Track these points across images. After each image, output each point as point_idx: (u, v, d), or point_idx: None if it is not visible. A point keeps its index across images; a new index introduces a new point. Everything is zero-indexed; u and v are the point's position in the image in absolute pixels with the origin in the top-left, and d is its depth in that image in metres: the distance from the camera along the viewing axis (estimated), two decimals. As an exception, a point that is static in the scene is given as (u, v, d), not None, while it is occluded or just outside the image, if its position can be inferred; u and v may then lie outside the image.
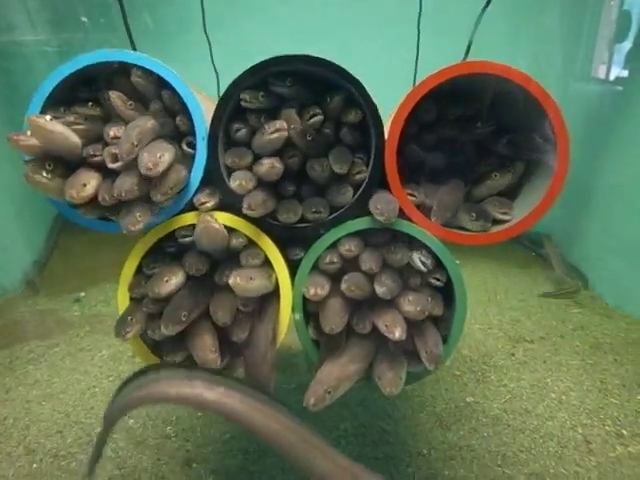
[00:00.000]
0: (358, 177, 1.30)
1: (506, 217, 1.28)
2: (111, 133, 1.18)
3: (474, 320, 3.25)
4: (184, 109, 1.28)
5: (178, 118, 1.30)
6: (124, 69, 1.26)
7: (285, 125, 1.19)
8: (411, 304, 1.18)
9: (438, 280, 1.29)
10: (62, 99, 1.26)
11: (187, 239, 1.25)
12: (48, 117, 1.08)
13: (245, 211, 1.19)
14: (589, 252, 3.98)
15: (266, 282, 1.23)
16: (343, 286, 1.21)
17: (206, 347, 1.19)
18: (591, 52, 4.30)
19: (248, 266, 1.25)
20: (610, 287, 3.59)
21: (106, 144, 1.21)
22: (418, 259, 1.24)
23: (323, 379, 1.20)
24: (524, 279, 4.01)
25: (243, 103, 1.24)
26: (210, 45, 2.43)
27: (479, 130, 1.38)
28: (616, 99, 3.91)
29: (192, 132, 1.29)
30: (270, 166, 1.17)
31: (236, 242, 1.26)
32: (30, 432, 2.16)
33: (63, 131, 1.10)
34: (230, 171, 1.27)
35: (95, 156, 1.18)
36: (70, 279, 3.95)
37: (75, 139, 1.14)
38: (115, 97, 1.21)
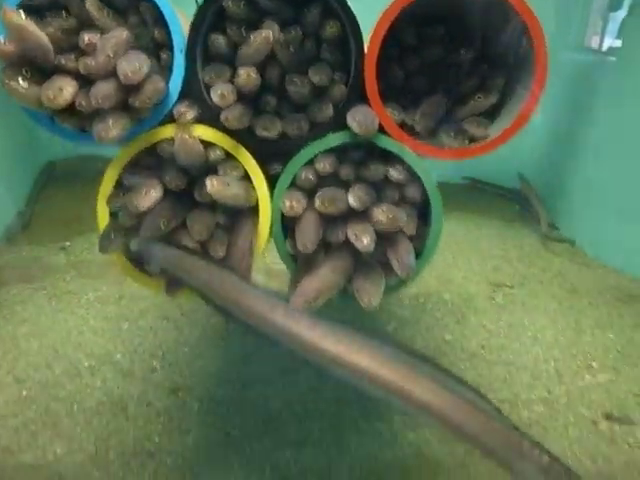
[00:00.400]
0: (338, 94, 1.30)
1: (483, 133, 1.30)
2: (86, 39, 1.17)
3: (457, 268, 3.31)
4: (162, 22, 1.26)
5: (156, 31, 1.28)
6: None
7: (270, 34, 1.18)
8: (384, 213, 1.20)
9: (398, 172, 1.28)
10: (32, 8, 1.23)
11: (168, 150, 1.25)
12: (22, 13, 1.07)
13: (224, 122, 1.20)
14: (572, 206, 4.04)
15: (243, 193, 1.24)
16: (317, 202, 1.22)
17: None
18: (585, 20, 4.27)
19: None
20: (591, 239, 3.66)
21: (81, 52, 1.19)
22: (394, 171, 1.26)
23: (303, 291, 1.22)
24: (508, 231, 4.07)
25: (227, 8, 1.22)
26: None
27: (462, 55, 1.38)
28: (605, 63, 3.91)
29: (169, 45, 1.27)
30: (246, 75, 1.17)
31: (214, 156, 1.26)
32: (19, 364, 2.20)
33: (35, 30, 1.08)
34: (208, 87, 1.27)
35: (67, 65, 1.17)
36: (55, 229, 3.93)
37: (47, 42, 1.12)
38: (90, 4, 1.19)
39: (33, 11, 1.23)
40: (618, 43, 3.75)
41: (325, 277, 1.24)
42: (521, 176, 4.50)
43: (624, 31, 3.67)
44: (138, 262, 1.35)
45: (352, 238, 1.21)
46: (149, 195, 1.21)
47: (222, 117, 1.19)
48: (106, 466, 1.68)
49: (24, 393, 2.02)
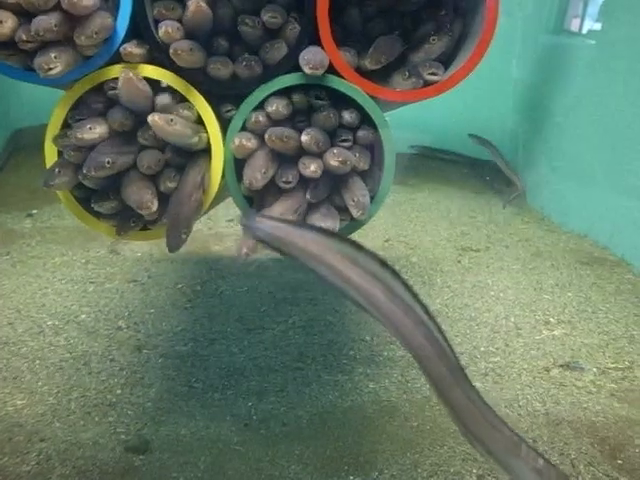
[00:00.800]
0: (291, 35, 1.29)
1: (435, 77, 1.31)
2: None
3: (425, 234, 3.36)
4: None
5: None
6: None
7: None
8: (334, 156, 1.21)
9: (352, 116, 1.30)
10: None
11: (113, 92, 1.23)
12: None
13: (172, 57, 1.18)
14: (539, 176, 4.11)
15: (190, 132, 1.23)
16: (265, 136, 1.23)
17: (141, 190, 1.20)
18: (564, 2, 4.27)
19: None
20: (556, 206, 3.75)
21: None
22: (347, 114, 1.27)
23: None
24: (478, 201, 4.13)
25: None
26: None
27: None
28: (580, 44, 3.94)
29: None
30: (196, 5, 1.15)
31: (162, 97, 1.25)
32: (-21, 325, 2.18)
33: None
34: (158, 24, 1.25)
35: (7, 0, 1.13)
36: (22, 198, 3.84)
37: None
38: None
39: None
40: (596, 26, 3.78)
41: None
42: (472, 135, 4.38)
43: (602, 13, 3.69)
44: (86, 202, 1.33)
45: (300, 168, 1.24)
46: (93, 130, 1.19)
47: (171, 51, 1.17)
48: (67, 416, 1.69)
49: (-16, 350, 2.00)
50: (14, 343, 2.06)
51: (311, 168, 1.22)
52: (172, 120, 1.16)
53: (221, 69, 1.25)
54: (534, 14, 4.26)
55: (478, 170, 4.70)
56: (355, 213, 1.26)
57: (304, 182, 1.30)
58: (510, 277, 2.76)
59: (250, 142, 1.25)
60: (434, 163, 4.72)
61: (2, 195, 3.76)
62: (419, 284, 2.73)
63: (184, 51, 1.16)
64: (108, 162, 1.16)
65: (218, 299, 2.54)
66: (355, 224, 1.38)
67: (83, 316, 2.30)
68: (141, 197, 1.19)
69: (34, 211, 3.60)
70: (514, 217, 3.77)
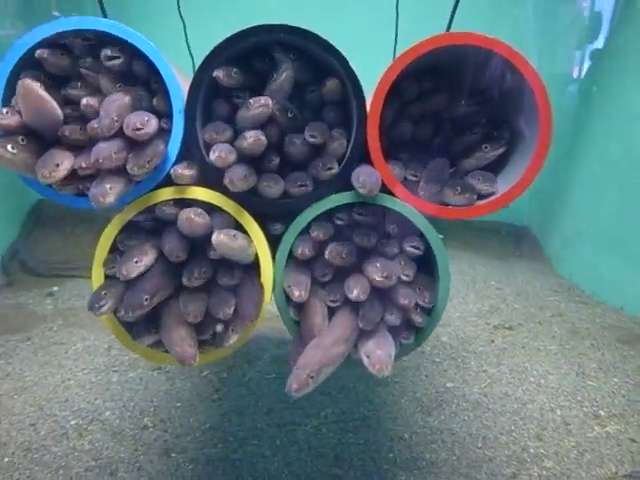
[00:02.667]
0: (339, 149, 1.27)
1: (490, 189, 1.28)
2: (84, 101, 1.14)
3: (453, 309, 3.27)
4: (162, 89, 1.24)
5: (155, 100, 1.26)
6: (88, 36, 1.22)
7: (270, 101, 1.17)
8: (379, 271, 1.20)
9: (416, 248, 1.28)
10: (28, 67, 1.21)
11: (167, 212, 1.21)
12: (39, 84, 1.05)
13: (227, 185, 1.16)
14: (566, 243, 4.05)
15: (247, 244, 1.21)
16: (326, 252, 1.24)
17: (184, 342, 1.14)
18: (563, 50, 4.40)
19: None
20: (585, 275, 3.66)
21: (82, 119, 1.17)
22: (409, 247, 1.26)
23: (306, 363, 1.15)
24: (502, 269, 4.06)
25: (219, 79, 1.21)
26: (185, 26, 2.38)
27: (464, 107, 1.38)
28: (588, 96, 3.99)
29: (168, 113, 1.25)
30: (255, 139, 1.15)
31: (218, 221, 1.23)
32: (1, 426, 2.08)
33: (51, 101, 1.07)
34: (209, 147, 1.24)
35: (71, 137, 1.14)
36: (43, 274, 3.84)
37: (60, 115, 1.11)
38: (106, 81, 1.19)
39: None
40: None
41: (329, 349, 1.19)
42: None
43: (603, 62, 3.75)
44: (130, 327, 1.28)
45: (345, 291, 1.22)
46: (139, 264, 1.15)
47: (226, 179, 1.15)
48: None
49: (6, 460, 1.89)
50: (37, 449, 1.95)
51: (354, 293, 1.19)
52: (235, 235, 1.14)
53: (273, 187, 1.23)
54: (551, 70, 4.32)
55: (495, 231, 4.67)
56: (417, 320, 1.23)
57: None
58: (549, 360, 2.64)
59: (307, 289, 1.24)
60: (444, 223, 4.69)
61: (24, 273, 3.75)
62: (453, 368, 2.61)
63: (240, 180, 1.15)
64: (146, 299, 1.12)
65: (246, 389, 2.43)
66: (410, 345, 1.31)
67: (107, 413, 2.20)
68: (183, 351, 1.13)
69: (55, 288, 3.57)
70: (542, 286, 3.68)
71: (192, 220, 1.13)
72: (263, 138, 1.16)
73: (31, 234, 4.19)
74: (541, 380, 2.46)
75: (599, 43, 3.95)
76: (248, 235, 1.24)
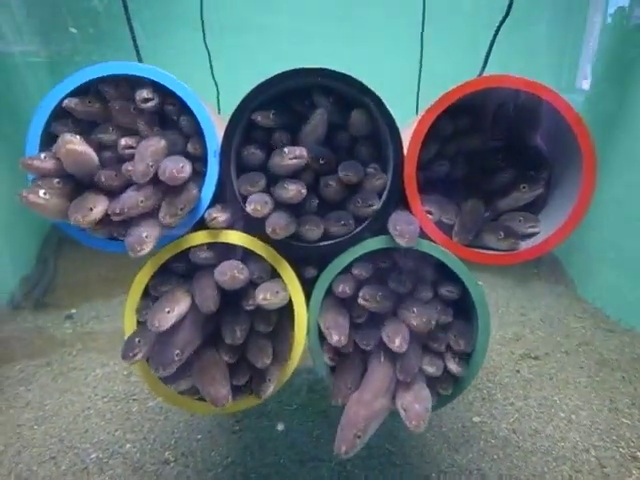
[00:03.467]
0: (378, 185, 1.24)
1: (535, 230, 1.24)
2: (122, 142, 1.14)
3: (477, 336, 3.20)
4: (196, 132, 1.23)
5: (189, 144, 1.24)
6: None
7: (305, 152, 1.16)
8: (416, 316, 1.16)
9: (451, 292, 1.24)
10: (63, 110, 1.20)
11: (202, 256, 1.18)
12: (78, 137, 1.04)
13: (269, 234, 1.14)
14: (589, 266, 3.97)
15: (286, 293, 1.19)
16: (359, 297, 1.21)
17: (216, 383, 1.11)
18: (575, 65, 4.36)
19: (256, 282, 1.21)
20: (610, 300, 3.57)
21: (116, 161, 1.15)
22: (444, 290, 1.22)
23: (350, 422, 1.12)
24: (524, 292, 3.98)
25: (258, 121, 1.19)
26: (210, 56, 2.38)
27: (497, 144, 1.35)
28: (612, 118, 3.92)
29: (202, 157, 1.23)
30: (297, 192, 1.14)
31: (254, 267, 1.20)
32: (22, 459, 2.06)
33: (90, 152, 1.06)
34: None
35: (106, 182, 1.13)
36: (60, 295, 3.84)
37: (97, 160, 1.10)
38: (143, 124, 1.17)
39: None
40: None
41: (371, 404, 1.15)
42: None
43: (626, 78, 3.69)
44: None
45: (385, 339, 1.18)
46: (171, 313, 1.12)
47: (268, 230, 1.13)
48: None
49: (27, 496, 1.87)
50: (57, 485, 1.93)
51: (396, 343, 1.15)
52: (277, 292, 1.12)
53: (315, 230, 1.20)
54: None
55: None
56: (455, 369, 1.19)
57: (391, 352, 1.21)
58: (578, 393, 2.55)
59: (346, 333, 1.19)
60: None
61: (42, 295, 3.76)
62: (479, 400, 2.54)
63: (282, 229, 1.13)
64: (177, 354, 1.09)
65: (267, 420, 2.38)
66: (448, 396, 1.27)
67: (128, 446, 2.17)
68: (217, 391, 1.10)
69: (73, 311, 3.57)
70: (566, 312, 3.60)
71: (235, 278, 1.11)
72: (304, 191, 1.14)
73: (51, 255, 4.19)
74: (572, 416, 2.38)
75: (616, 56, 3.91)
76: (283, 280, 1.22)
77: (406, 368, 1.16)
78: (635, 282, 3.37)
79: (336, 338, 1.16)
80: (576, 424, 2.31)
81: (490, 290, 4.01)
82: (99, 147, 1.18)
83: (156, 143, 1.13)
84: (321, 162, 1.20)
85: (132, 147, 1.16)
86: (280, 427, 2.32)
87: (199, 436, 2.26)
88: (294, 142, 1.24)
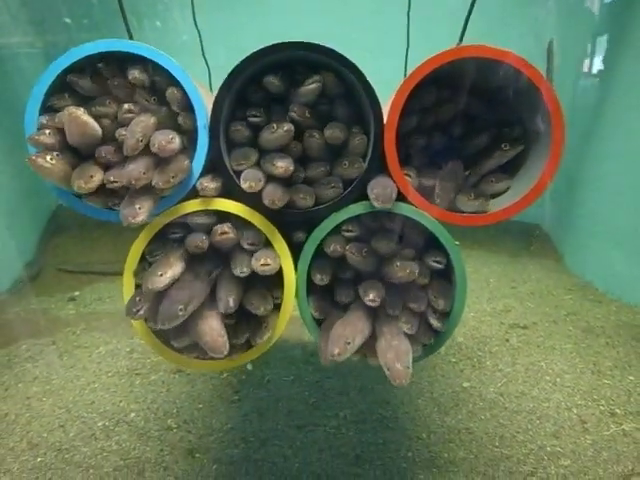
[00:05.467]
0: (360, 146, 1.32)
1: (504, 186, 1.32)
2: (125, 107, 1.24)
3: (468, 308, 3.27)
4: (186, 105, 1.29)
5: (180, 118, 1.30)
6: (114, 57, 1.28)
7: (292, 127, 1.25)
8: (400, 268, 1.26)
9: (438, 263, 1.32)
10: (60, 86, 1.27)
11: (198, 221, 1.27)
12: (82, 109, 1.13)
13: (269, 206, 1.23)
14: (579, 240, 4.06)
15: (279, 260, 1.30)
16: (347, 253, 1.30)
17: (214, 332, 1.20)
18: (576, 45, 4.37)
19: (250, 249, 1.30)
20: (600, 273, 3.66)
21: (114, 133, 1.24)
22: (432, 262, 1.31)
23: (340, 334, 1.24)
24: (515, 267, 4.07)
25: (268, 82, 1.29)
26: (201, 37, 2.43)
27: (476, 111, 1.42)
28: (601, 94, 3.97)
29: (192, 130, 1.30)
30: (285, 169, 1.22)
31: (250, 235, 1.30)
32: (32, 427, 2.16)
33: (94, 124, 1.14)
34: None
35: (105, 157, 1.21)
36: (64, 279, 3.93)
37: (100, 132, 1.20)
38: (139, 96, 1.26)
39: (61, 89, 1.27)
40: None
41: (355, 323, 1.28)
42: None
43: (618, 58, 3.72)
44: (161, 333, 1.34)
45: (361, 294, 1.29)
46: (164, 276, 1.21)
47: (267, 200, 1.23)
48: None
49: (39, 460, 1.97)
50: (67, 450, 2.03)
51: (370, 296, 1.27)
52: (275, 258, 1.25)
53: (308, 199, 1.28)
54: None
55: (507, 230, 4.66)
56: (435, 324, 1.29)
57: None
58: (564, 358, 2.66)
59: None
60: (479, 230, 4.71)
61: (44, 277, 3.85)
62: (469, 368, 2.64)
63: (279, 200, 1.23)
64: (181, 309, 1.17)
65: (265, 390, 2.49)
66: (430, 347, 1.36)
67: (133, 415, 2.28)
68: (214, 340, 1.19)
69: (76, 293, 3.67)
70: (556, 285, 3.69)
71: (227, 236, 1.23)
72: (292, 167, 1.24)
73: (51, 239, 4.28)
74: (557, 379, 2.48)
75: (614, 38, 3.93)
76: (274, 248, 1.31)
77: (392, 303, 1.27)
78: (622, 254, 3.46)
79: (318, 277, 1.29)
80: (560, 386, 2.41)
81: (482, 266, 4.10)
82: (96, 119, 1.26)
83: (147, 119, 1.20)
84: (307, 115, 1.28)
85: (132, 112, 1.24)
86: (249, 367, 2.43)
87: (200, 405, 2.36)
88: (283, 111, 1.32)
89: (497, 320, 3.13)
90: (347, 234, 1.31)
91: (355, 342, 1.23)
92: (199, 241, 1.27)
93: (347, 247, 1.31)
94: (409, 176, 1.33)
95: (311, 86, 1.27)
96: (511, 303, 3.35)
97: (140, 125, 1.15)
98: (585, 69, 4.24)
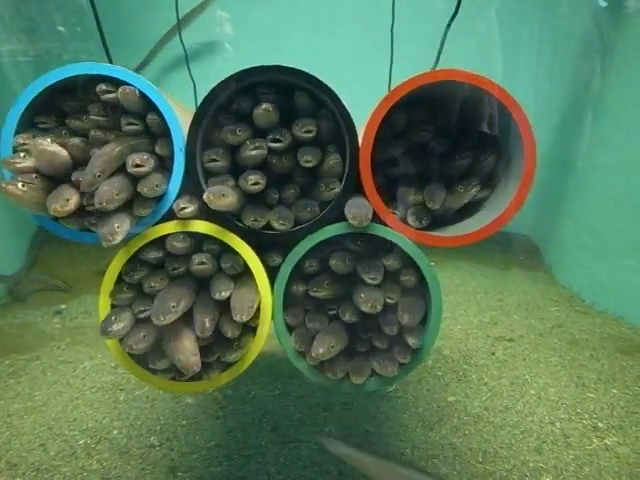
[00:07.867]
0: (335, 167, 1.33)
1: (483, 194, 1.35)
2: (92, 133, 1.26)
3: (455, 321, 3.31)
4: (164, 132, 1.30)
5: (157, 146, 1.31)
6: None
7: (264, 144, 1.26)
8: (363, 300, 1.28)
9: (410, 280, 1.34)
10: (42, 107, 1.27)
11: (178, 246, 1.27)
12: (48, 140, 1.13)
13: (251, 226, 1.28)
14: (565, 251, 4.08)
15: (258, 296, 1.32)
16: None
17: (187, 351, 1.20)
18: (562, 58, 4.42)
19: (227, 272, 1.30)
20: (586, 284, 3.69)
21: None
22: (392, 261, 1.32)
23: (324, 340, 1.30)
24: (502, 279, 4.09)
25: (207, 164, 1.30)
26: (187, 54, 2.45)
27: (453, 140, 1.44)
28: (585, 106, 4.02)
29: (170, 155, 1.31)
30: (255, 181, 1.24)
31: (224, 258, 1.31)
32: (12, 446, 2.14)
33: (61, 151, 1.14)
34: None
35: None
36: (50, 292, 3.91)
37: (69, 158, 1.20)
38: (96, 132, 1.26)
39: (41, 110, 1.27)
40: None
41: (335, 332, 1.35)
42: None
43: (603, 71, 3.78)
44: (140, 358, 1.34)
45: (339, 313, 1.36)
46: (118, 324, 1.24)
47: (248, 223, 1.28)
48: None
49: (17, 480, 1.95)
50: (47, 469, 2.01)
51: (346, 317, 1.33)
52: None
53: (287, 225, 1.29)
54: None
55: (495, 241, 4.69)
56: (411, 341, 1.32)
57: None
58: (549, 372, 2.67)
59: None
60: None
61: (30, 290, 3.82)
62: (455, 381, 2.65)
63: (262, 217, 1.28)
64: (173, 306, 1.19)
65: (250, 405, 2.48)
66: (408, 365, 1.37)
67: (115, 432, 2.26)
68: (187, 358, 1.19)
69: (62, 306, 3.64)
70: (543, 296, 3.72)
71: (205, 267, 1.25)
72: (263, 181, 1.25)
73: (39, 252, 4.25)
74: (541, 392, 2.49)
75: (597, 52, 3.99)
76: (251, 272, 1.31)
77: (366, 326, 1.30)
78: (609, 266, 3.49)
79: (321, 350, 1.30)
80: (544, 400, 2.42)
81: (470, 278, 4.12)
82: (72, 134, 1.26)
83: (110, 151, 1.19)
84: (283, 161, 1.29)
85: (100, 138, 1.25)
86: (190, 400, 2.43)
87: (184, 422, 2.35)
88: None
89: (484, 333, 3.14)
90: (309, 269, 1.35)
91: (337, 347, 1.31)
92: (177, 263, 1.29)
93: (331, 260, 1.33)
94: (395, 214, 1.35)
95: (253, 152, 1.27)
96: (498, 315, 3.37)
97: (100, 159, 1.15)
98: (572, 81, 4.29)
